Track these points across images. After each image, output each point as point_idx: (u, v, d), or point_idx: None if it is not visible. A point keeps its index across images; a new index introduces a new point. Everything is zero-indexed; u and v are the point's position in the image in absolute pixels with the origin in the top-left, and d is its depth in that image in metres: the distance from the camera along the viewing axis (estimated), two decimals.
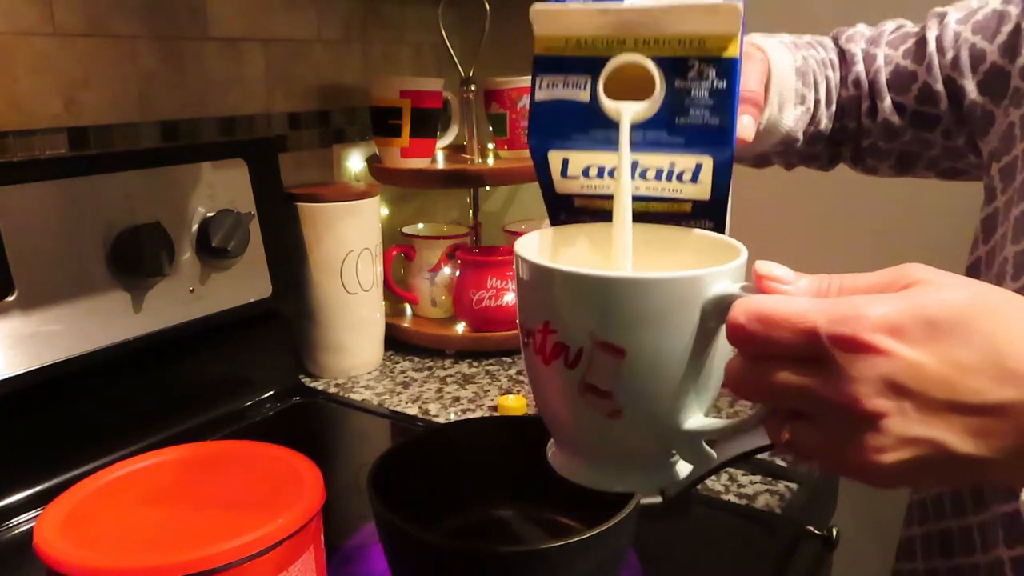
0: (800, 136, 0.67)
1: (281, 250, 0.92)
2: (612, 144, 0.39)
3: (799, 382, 0.32)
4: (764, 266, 0.35)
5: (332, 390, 0.96)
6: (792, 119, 0.64)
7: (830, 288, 0.35)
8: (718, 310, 0.35)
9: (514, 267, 0.40)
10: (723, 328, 0.35)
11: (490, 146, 1.12)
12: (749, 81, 0.56)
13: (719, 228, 0.44)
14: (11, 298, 0.68)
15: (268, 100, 1.03)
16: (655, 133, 0.39)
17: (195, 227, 0.82)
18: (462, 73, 1.08)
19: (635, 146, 0.39)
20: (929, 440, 0.31)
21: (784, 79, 0.61)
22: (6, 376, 0.67)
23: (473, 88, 1.08)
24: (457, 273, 1.08)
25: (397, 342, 1.07)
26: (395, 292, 1.10)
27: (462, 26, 1.25)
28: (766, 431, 0.36)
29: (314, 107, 1.10)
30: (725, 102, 0.38)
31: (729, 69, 0.38)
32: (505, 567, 0.49)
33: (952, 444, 0.31)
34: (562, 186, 0.44)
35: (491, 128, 1.09)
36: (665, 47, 0.39)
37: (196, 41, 0.93)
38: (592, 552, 0.50)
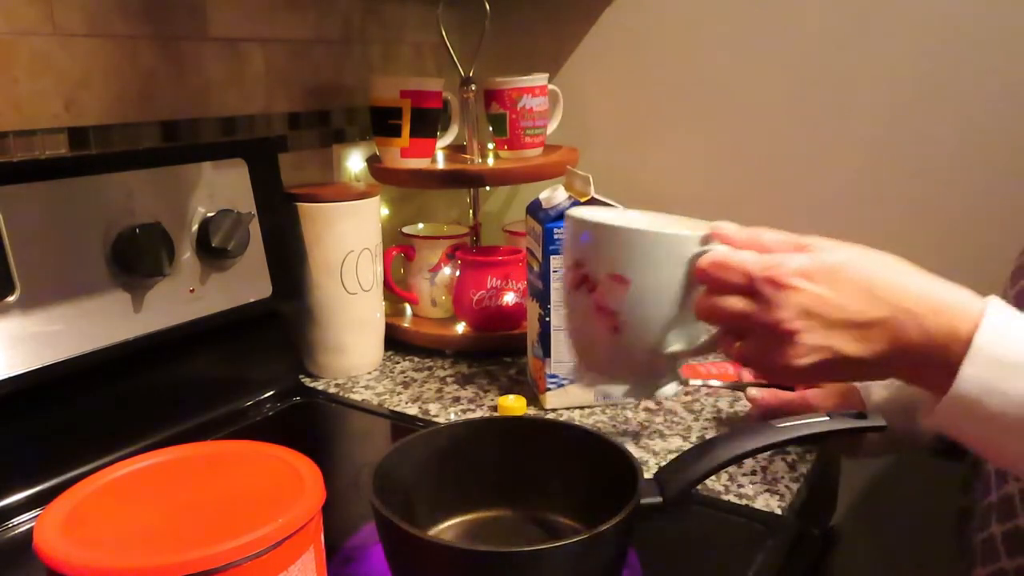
0: None
1: (281, 250, 0.92)
2: None
3: (742, 309, 0.48)
4: (718, 224, 0.53)
5: (332, 390, 0.96)
6: None
7: (759, 234, 0.52)
8: (690, 263, 0.51)
9: (564, 226, 0.57)
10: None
11: (490, 146, 1.12)
12: None
13: None
14: (12, 298, 0.68)
15: (268, 100, 1.03)
16: None
17: (195, 227, 0.82)
18: (462, 73, 1.08)
19: None
20: (829, 347, 0.47)
21: None
22: (6, 376, 0.67)
23: (473, 88, 1.08)
24: (457, 273, 1.08)
25: (397, 342, 1.07)
26: (395, 292, 1.10)
27: (462, 26, 1.25)
28: (722, 347, 0.52)
29: (314, 107, 1.10)
30: None
31: None
32: (505, 567, 0.49)
33: (845, 350, 0.47)
34: None
35: (491, 128, 1.09)
36: None
37: (196, 41, 0.93)
38: (592, 552, 0.50)
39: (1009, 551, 0.58)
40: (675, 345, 0.53)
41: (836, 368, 0.48)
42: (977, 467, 0.70)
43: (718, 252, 0.50)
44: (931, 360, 0.46)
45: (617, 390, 0.63)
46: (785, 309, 0.47)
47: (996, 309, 0.45)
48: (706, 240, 0.52)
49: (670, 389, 0.57)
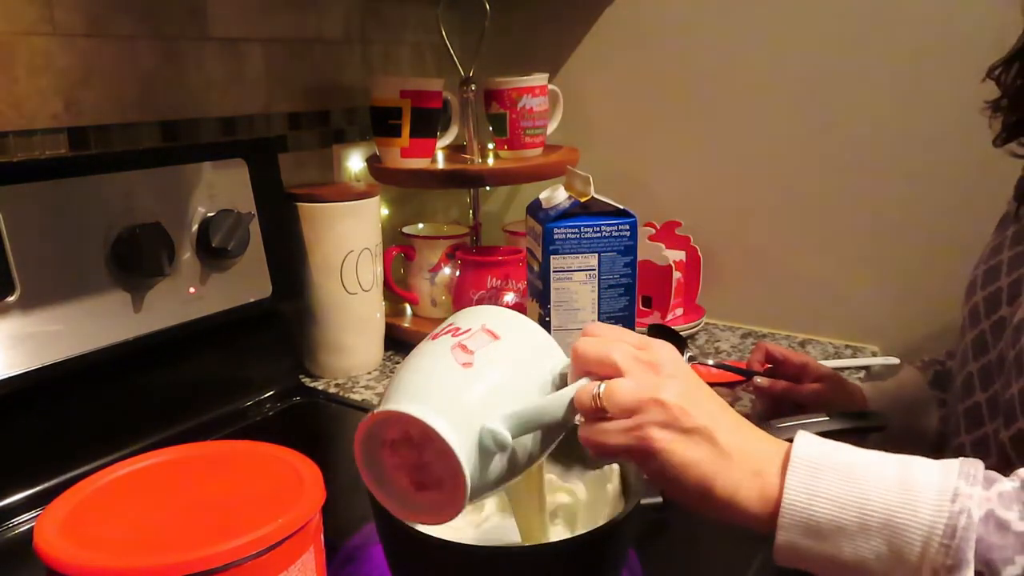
0: None
1: (281, 250, 0.92)
2: None
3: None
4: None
5: (332, 390, 0.96)
6: None
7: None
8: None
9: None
10: None
11: (490, 146, 1.12)
12: None
13: None
14: (12, 298, 0.68)
15: (268, 100, 1.03)
16: None
17: (195, 227, 0.82)
18: (462, 73, 1.08)
19: None
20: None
21: None
22: (6, 376, 0.67)
23: (473, 88, 1.08)
24: (457, 273, 1.08)
25: (397, 342, 1.07)
26: (395, 292, 1.10)
27: (462, 26, 1.25)
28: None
29: (314, 107, 1.09)
30: None
31: None
32: (505, 566, 0.49)
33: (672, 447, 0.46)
34: None
35: (491, 128, 1.09)
36: None
37: (196, 41, 0.93)
38: (592, 552, 0.50)
39: None
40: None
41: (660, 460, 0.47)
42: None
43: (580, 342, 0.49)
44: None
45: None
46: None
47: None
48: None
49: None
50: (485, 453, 0.44)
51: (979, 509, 0.41)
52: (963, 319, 0.69)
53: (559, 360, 0.49)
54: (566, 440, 0.51)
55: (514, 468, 0.47)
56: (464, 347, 0.47)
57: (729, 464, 0.45)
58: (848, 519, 0.43)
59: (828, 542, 0.43)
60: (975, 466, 0.43)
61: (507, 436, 0.44)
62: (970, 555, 0.40)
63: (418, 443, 0.45)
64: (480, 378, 0.46)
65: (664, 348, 0.48)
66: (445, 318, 1.10)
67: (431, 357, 0.48)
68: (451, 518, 0.45)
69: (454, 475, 0.44)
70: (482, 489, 0.45)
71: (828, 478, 0.44)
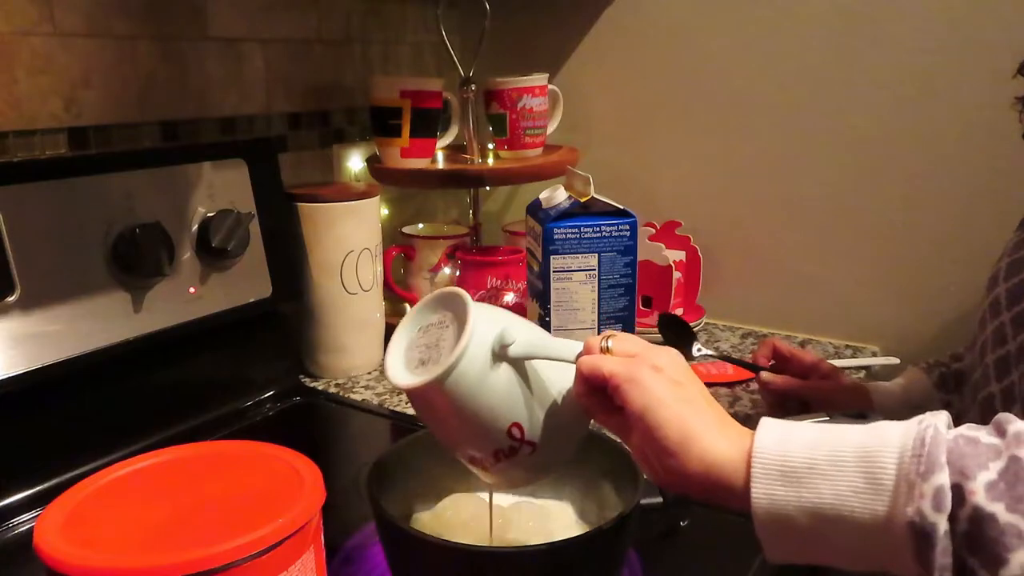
0: None
1: (281, 250, 0.92)
2: None
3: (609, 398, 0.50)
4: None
5: (332, 390, 0.96)
6: None
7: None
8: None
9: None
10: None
11: (490, 146, 1.12)
12: None
13: None
14: (12, 298, 0.68)
15: (268, 100, 1.03)
16: None
17: (195, 227, 0.82)
18: (462, 73, 1.08)
19: None
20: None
21: None
22: (6, 376, 0.67)
23: (473, 88, 1.08)
24: (457, 273, 1.08)
25: None
26: (395, 292, 1.10)
27: (462, 26, 1.25)
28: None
29: (314, 107, 1.10)
30: None
31: None
32: (505, 566, 0.49)
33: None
34: None
35: (491, 128, 1.09)
36: None
37: (196, 41, 0.93)
38: (592, 552, 0.50)
39: None
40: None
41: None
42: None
43: (588, 359, 0.51)
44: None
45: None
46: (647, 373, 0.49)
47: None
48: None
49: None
50: (488, 353, 0.48)
51: (945, 427, 0.42)
52: (983, 312, 0.69)
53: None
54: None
55: (504, 393, 0.49)
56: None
57: (706, 414, 0.47)
58: (821, 455, 0.43)
59: (805, 485, 0.43)
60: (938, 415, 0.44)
61: (513, 340, 0.48)
62: (942, 458, 0.40)
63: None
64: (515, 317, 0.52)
65: (670, 354, 0.50)
66: None
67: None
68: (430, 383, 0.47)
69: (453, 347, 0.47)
70: (468, 388, 0.48)
71: (799, 428, 0.45)
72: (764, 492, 0.43)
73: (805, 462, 0.43)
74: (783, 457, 0.44)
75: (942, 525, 0.39)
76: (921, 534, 0.39)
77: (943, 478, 0.39)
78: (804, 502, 0.42)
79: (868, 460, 0.42)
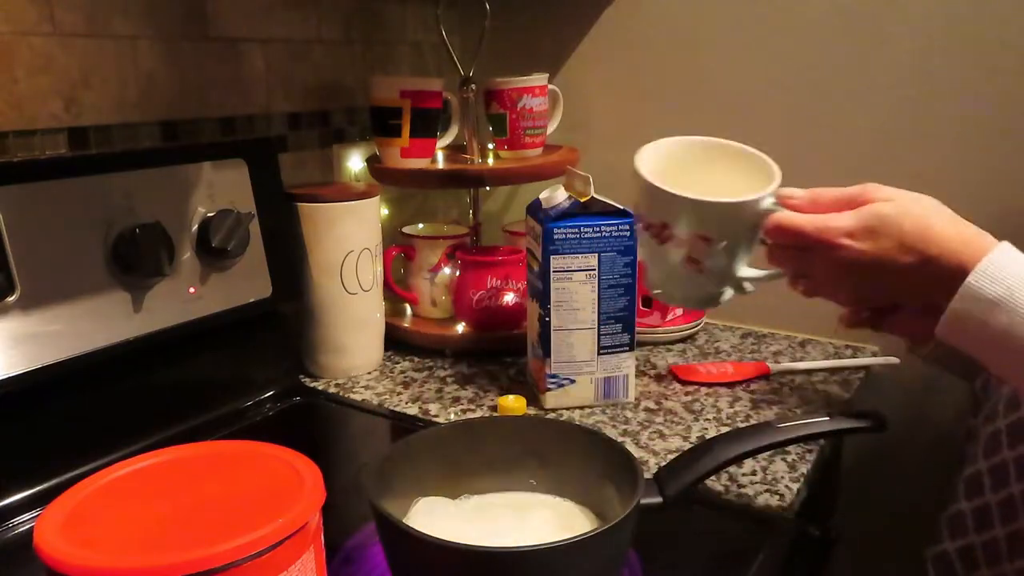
0: None
1: (281, 250, 0.92)
2: None
3: (800, 259, 0.62)
4: (782, 191, 0.63)
5: (332, 390, 0.96)
6: None
7: (819, 196, 0.62)
8: (760, 217, 0.62)
9: (639, 183, 0.64)
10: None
11: (490, 146, 1.12)
12: None
13: None
14: (12, 298, 0.68)
15: (268, 100, 1.03)
16: None
17: (195, 227, 0.82)
18: (462, 73, 1.08)
19: None
20: (871, 287, 0.60)
21: None
22: (6, 376, 0.67)
23: (473, 88, 1.08)
24: (457, 273, 1.08)
25: (397, 342, 1.07)
26: (395, 292, 1.10)
27: (462, 26, 1.25)
28: (788, 280, 0.64)
29: (314, 107, 1.10)
30: None
31: None
32: (505, 566, 0.49)
33: (885, 290, 0.59)
34: None
35: (491, 128, 1.09)
36: None
37: (196, 41, 0.93)
38: (592, 552, 0.50)
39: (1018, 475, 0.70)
40: (747, 275, 0.66)
41: (879, 301, 0.62)
42: (986, 392, 0.76)
43: (779, 217, 0.60)
44: (944, 289, 0.55)
45: (695, 305, 0.79)
46: (833, 265, 0.59)
47: (1000, 250, 0.54)
48: (772, 202, 0.62)
49: (729, 296, 0.69)
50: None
51: None
52: None
53: (757, 212, 0.62)
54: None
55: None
56: (691, 259, 0.65)
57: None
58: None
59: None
60: None
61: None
62: None
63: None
64: (711, 274, 0.66)
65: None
66: (445, 318, 1.10)
67: (677, 268, 0.66)
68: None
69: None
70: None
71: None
72: (966, 294, 0.53)
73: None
74: (992, 278, 0.53)
75: None
76: None
77: None
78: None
79: None
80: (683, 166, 0.66)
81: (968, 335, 0.54)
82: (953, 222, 0.57)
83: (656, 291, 0.70)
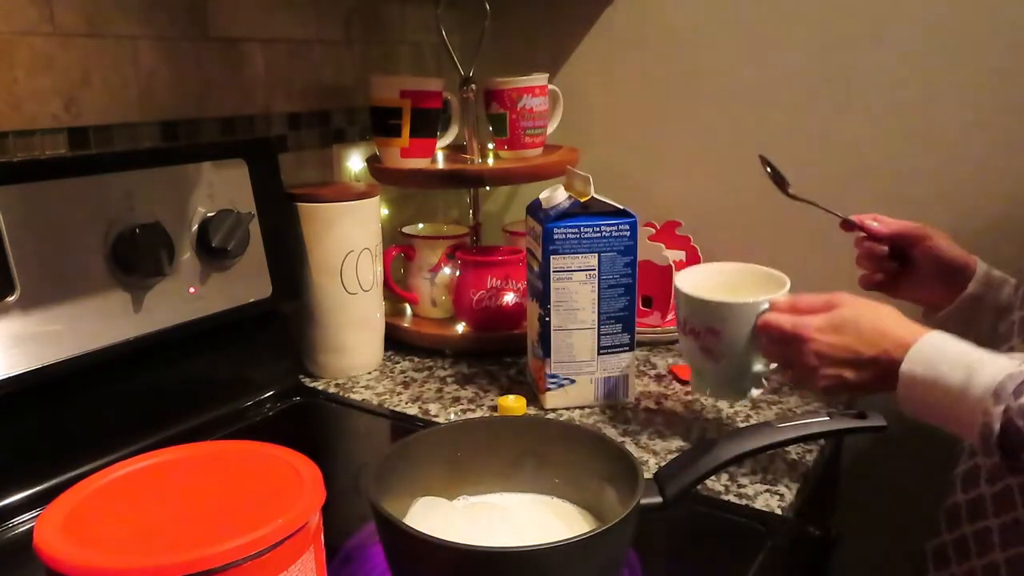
0: None
1: (281, 250, 0.92)
2: None
3: (782, 353, 0.76)
4: (773, 298, 0.78)
5: (332, 390, 0.96)
6: None
7: (798, 301, 0.76)
8: (755, 320, 0.77)
9: (677, 297, 0.84)
10: None
11: (490, 146, 1.12)
12: None
13: None
14: (12, 298, 0.68)
15: (268, 100, 1.03)
16: None
17: (195, 227, 0.82)
18: (462, 73, 1.08)
19: None
20: (838, 375, 0.71)
21: None
22: (6, 376, 0.67)
23: (473, 88, 1.08)
24: (457, 273, 1.08)
25: (397, 342, 1.07)
26: (395, 292, 1.10)
27: (462, 26, 1.25)
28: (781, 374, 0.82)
29: (314, 107, 1.10)
30: None
31: None
32: (505, 566, 0.49)
33: (848, 377, 0.71)
34: None
35: (491, 128, 1.09)
36: None
37: (196, 41, 0.93)
38: (592, 552, 0.50)
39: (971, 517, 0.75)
40: (755, 367, 0.80)
41: (846, 387, 0.72)
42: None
43: (766, 316, 0.76)
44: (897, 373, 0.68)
45: (723, 396, 0.89)
46: (807, 355, 0.72)
47: (930, 338, 0.67)
48: (765, 308, 0.77)
49: (755, 392, 0.84)
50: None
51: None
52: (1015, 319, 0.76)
53: (753, 312, 0.78)
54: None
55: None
56: (706, 348, 0.81)
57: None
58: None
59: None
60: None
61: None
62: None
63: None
64: (727, 364, 0.81)
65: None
66: (445, 318, 1.11)
67: (693, 354, 0.83)
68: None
69: None
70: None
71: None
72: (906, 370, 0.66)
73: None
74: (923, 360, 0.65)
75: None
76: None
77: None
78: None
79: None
80: (730, 287, 0.84)
81: (916, 402, 0.66)
82: (906, 324, 0.70)
83: (694, 385, 0.87)
